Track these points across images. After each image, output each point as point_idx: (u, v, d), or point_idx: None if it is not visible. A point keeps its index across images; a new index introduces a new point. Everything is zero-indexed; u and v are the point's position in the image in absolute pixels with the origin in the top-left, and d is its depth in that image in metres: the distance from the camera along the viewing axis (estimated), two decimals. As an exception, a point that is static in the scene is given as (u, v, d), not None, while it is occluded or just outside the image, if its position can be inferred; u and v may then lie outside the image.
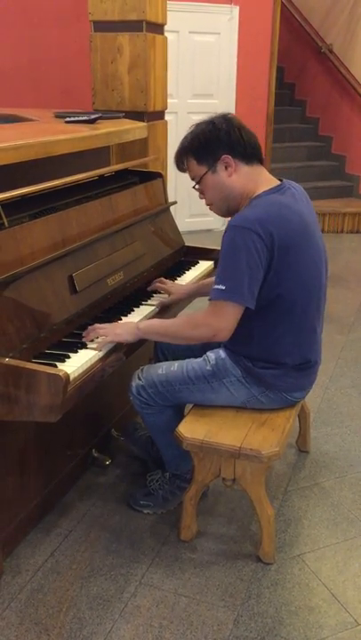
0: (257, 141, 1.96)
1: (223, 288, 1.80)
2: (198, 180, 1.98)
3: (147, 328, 1.97)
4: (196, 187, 2.01)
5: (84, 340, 1.90)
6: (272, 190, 1.91)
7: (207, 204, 2.04)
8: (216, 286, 1.82)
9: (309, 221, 1.94)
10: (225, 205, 2.00)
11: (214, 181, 1.95)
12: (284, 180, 1.99)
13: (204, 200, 2.04)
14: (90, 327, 1.94)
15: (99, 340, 1.92)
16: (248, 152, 1.92)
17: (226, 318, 1.83)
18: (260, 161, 1.97)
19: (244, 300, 1.81)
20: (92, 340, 1.91)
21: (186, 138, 1.98)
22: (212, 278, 2.34)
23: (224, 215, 2.05)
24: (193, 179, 2.00)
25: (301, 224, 1.89)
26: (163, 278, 2.42)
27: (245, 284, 1.79)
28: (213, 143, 1.91)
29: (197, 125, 1.96)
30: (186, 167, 2.00)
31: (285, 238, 1.82)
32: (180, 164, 2.01)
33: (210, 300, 1.86)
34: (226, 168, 1.92)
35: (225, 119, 1.93)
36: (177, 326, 1.95)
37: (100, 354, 1.87)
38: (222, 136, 1.90)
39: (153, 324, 2.00)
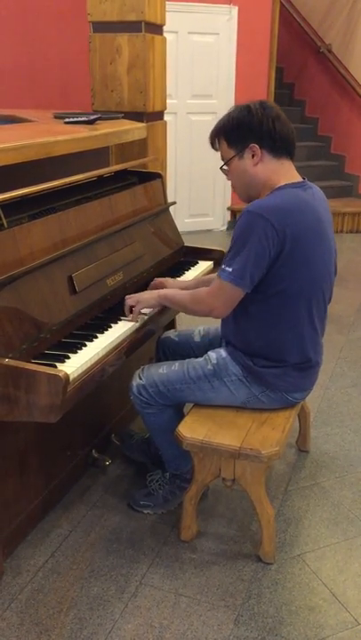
0: (291, 135, 1.95)
1: (230, 270, 1.85)
2: (226, 162, 2.00)
3: (165, 295, 2.15)
4: (224, 167, 2.03)
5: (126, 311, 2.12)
6: (295, 185, 1.93)
7: (232, 186, 2.08)
8: (224, 266, 1.87)
9: (324, 221, 1.95)
10: (246, 191, 2.02)
11: (239, 167, 1.96)
12: (307, 180, 2.00)
13: (227, 183, 2.06)
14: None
15: (132, 311, 2.13)
16: (277, 145, 1.92)
17: (224, 299, 1.91)
18: (291, 156, 1.97)
19: (244, 284, 1.84)
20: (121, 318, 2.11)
21: (223, 118, 1.99)
22: (208, 276, 2.37)
23: (245, 200, 2.06)
24: (222, 159, 2.02)
25: (316, 222, 1.90)
26: (159, 278, 2.41)
27: (248, 270, 1.82)
28: (244, 130, 1.92)
29: (235, 108, 1.97)
30: (218, 147, 2.02)
31: (298, 232, 1.83)
32: (213, 143, 2.03)
33: (216, 277, 1.91)
34: (252, 157, 1.93)
35: (262, 107, 1.94)
36: (185, 299, 2.08)
37: (137, 325, 2.09)
38: (254, 125, 1.91)
39: (169, 293, 2.17)
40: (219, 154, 2.02)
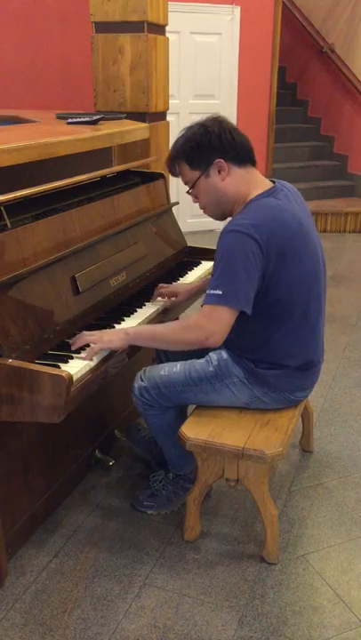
0: (249, 143, 1.94)
1: (220, 293, 1.77)
2: (192, 185, 1.97)
3: (136, 334, 1.91)
4: (190, 191, 2.00)
5: (72, 347, 1.83)
6: (266, 193, 1.90)
7: (201, 208, 2.04)
8: (212, 291, 1.79)
9: (305, 222, 1.93)
10: (219, 209, 2.00)
11: (207, 186, 1.94)
12: (277, 181, 1.98)
13: (198, 204, 2.03)
14: (77, 335, 1.87)
15: (87, 348, 1.84)
16: (240, 155, 1.91)
17: (220, 322, 1.79)
18: (253, 163, 1.96)
19: (240, 304, 1.79)
20: (80, 349, 1.83)
21: (177, 142, 1.96)
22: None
23: (218, 219, 2.05)
24: (186, 183, 1.99)
25: (297, 226, 1.88)
26: (162, 284, 2.35)
27: (242, 288, 1.78)
28: (206, 147, 1.89)
29: (189, 129, 1.94)
30: (178, 172, 1.99)
31: (281, 242, 1.81)
32: (173, 169, 2.00)
33: (204, 304, 1.82)
34: (219, 172, 1.91)
35: (216, 122, 1.91)
36: (168, 330, 1.90)
37: (92, 364, 1.80)
38: (214, 140, 1.88)
39: (143, 329, 1.95)
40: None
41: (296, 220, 1.88)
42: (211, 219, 2.10)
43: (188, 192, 2.02)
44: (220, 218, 2.03)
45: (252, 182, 1.93)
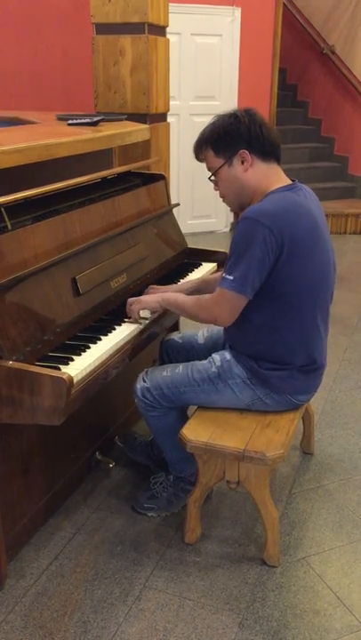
0: (277, 139, 1.96)
1: (231, 278, 1.84)
2: (214, 172, 1.99)
3: (169, 299, 2.12)
4: (212, 178, 2.02)
5: (128, 314, 2.11)
6: (286, 188, 1.93)
7: (220, 197, 2.06)
8: (226, 275, 1.86)
9: (319, 222, 1.95)
10: (237, 200, 2.01)
11: (229, 175, 1.96)
12: (297, 180, 1.99)
13: (217, 192, 2.05)
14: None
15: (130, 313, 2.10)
16: (266, 149, 1.93)
17: (227, 307, 1.89)
18: (278, 159, 1.98)
19: (246, 291, 1.84)
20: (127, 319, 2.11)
21: (206, 128, 1.98)
22: (213, 275, 2.36)
23: (235, 209, 2.07)
24: (209, 169, 2.01)
25: (312, 223, 1.90)
26: (152, 285, 2.37)
27: (250, 276, 1.82)
28: (233, 137, 1.92)
29: (219, 117, 1.96)
30: (203, 157, 2.01)
31: (296, 235, 1.83)
32: (198, 154, 2.02)
33: (218, 286, 1.90)
34: (242, 163, 1.93)
35: (248, 114, 1.94)
36: (190, 305, 2.04)
37: (141, 326, 2.08)
38: (243, 130, 1.91)
39: (172, 296, 2.13)
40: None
41: (312, 218, 1.90)
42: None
43: (209, 178, 2.04)
44: (238, 208, 2.04)
45: (273, 177, 1.95)
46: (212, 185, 2.07)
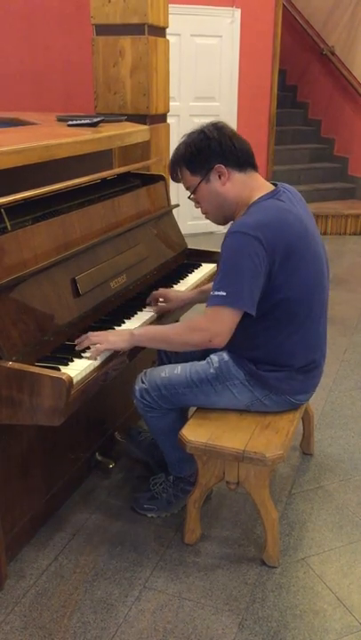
0: (249, 148, 1.95)
1: (224, 294, 1.79)
2: (193, 190, 1.99)
3: (141, 335, 1.94)
4: (191, 196, 2.02)
5: (77, 348, 1.85)
6: (268, 195, 1.91)
7: (203, 213, 2.05)
8: (216, 292, 1.80)
9: (308, 223, 1.94)
10: (220, 214, 2.01)
11: (208, 191, 1.95)
12: (278, 183, 1.99)
13: (200, 209, 2.04)
14: (83, 335, 1.89)
15: (92, 348, 1.86)
16: (241, 160, 1.92)
17: (224, 324, 1.82)
18: (254, 167, 1.97)
19: (245, 305, 1.80)
20: (86, 349, 1.87)
21: (178, 148, 1.98)
22: (209, 285, 2.33)
23: (220, 223, 2.06)
24: (187, 189, 2.01)
25: (301, 227, 1.89)
26: (161, 289, 2.35)
27: (246, 290, 1.79)
28: (205, 153, 1.91)
29: (189, 135, 1.96)
30: (180, 177, 2.01)
31: (286, 243, 1.82)
32: (174, 175, 2.02)
33: (207, 306, 1.84)
34: (219, 177, 1.92)
35: (216, 128, 1.93)
36: (173, 332, 1.93)
37: (96, 363, 1.84)
38: (214, 146, 1.90)
39: (148, 330, 1.98)
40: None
41: (300, 221, 1.89)
42: (209, 221, 2.09)
43: (189, 197, 2.03)
44: (222, 222, 2.04)
45: (253, 186, 1.93)
46: None
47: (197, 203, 2.02)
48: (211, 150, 1.90)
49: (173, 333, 1.92)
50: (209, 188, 1.94)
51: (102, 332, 1.92)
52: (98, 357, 1.85)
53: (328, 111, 7.52)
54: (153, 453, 2.43)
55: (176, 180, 2.02)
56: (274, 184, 1.97)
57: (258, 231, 1.77)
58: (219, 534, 2.16)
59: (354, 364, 3.51)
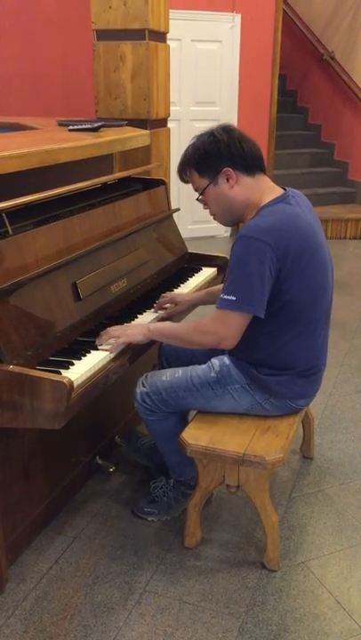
0: (258, 151, 1.96)
1: (233, 299, 1.81)
2: (201, 192, 2.00)
3: (157, 330, 2.00)
4: (200, 198, 2.03)
5: (97, 343, 1.93)
6: (279, 199, 1.92)
7: (211, 215, 2.06)
8: (225, 296, 1.82)
9: (316, 229, 1.95)
10: (228, 216, 2.02)
11: (216, 193, 1.96)
12: (287, 188, 2.00)
13: (208, 210, 2.05)
14: (102, 331, 1.96)
15: (111, 341, 1.93)
16: (249, 163, 1.93)
17: (233, 327, 1.85)
18: (263, 170, 1.97)
19: (255, 310, 1.82)
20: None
21: (187, 150, 1.99)
22: (217, 287, 2.35)
23: (228, 225, 2.08)
24: (196, 190, 2.02)
25: (310, 232, 1.90)
26: (168, 293, 2.38)
27: (256, 294, 1.80)
28: (214, 156, 1.92)
29: (198, 137, 1.97)
30: (188, 179, 2.02)
31: (296, 247, 1.83)
32: (183, 176, 2.03)
33: (217, 308, 1.86)
34: (227, 180, 1.93)
35: (225, 131, 1.93)
36: (185, 331, 1.96)
37: (110, 356, 1.89)
38: (223, 149, 1.90)
39: (164, 326, 2.03)
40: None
41: (309, 226, 1.90)
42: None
43: (197, 199, 2.04)
44: (231, 224, 2.06)
45: (262, 189, 1.94)
46: None
47: (205, 204, 2.03)
48: (219, 153, 1.91)
49: (185, 333, 1.96)
50: (217, 190, 1.95)
51: (121, 326, 2.00)
52: (115, 350, 1.92)
53: (328, 116, 7.54)
54: (153, 457, 2.44)
55: (184, 181, 2.04)
56: (283, 188, 1.99)
57: (268, 236, 1.79)
58: (219, 538, 2.16)
59: (354, 368, 3.51)
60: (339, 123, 7.38)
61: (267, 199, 1.92)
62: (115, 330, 1.97)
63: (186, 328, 1.98)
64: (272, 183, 1.98)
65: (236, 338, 1.87)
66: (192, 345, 2.00)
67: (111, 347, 1.92)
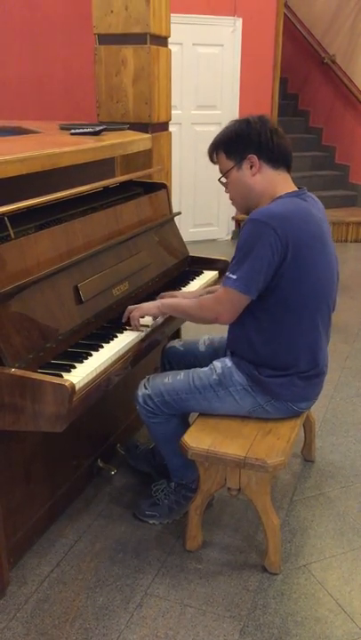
0: (289, 148, 2.00)
1: (235, 277, 1.87)
2: (224, 174, 2.04)
3: (167, 304, 2.16)
4: (222, 179, 2.06)
5: (123, 320, 2.15)
6: (293, 194, 1.96)
7: (230, 199, 2.11)
8: (229, 274, 1.89)
9: (325, 230, 1.98)
10: (245, 203, 2.05)
11: (237, 178, 2.00)
12: (305, 188, 2.02)
13: (228, 195, 2.09)
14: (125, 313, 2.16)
15: (131, 321, 2.12)
16: (276, 156, 1.96)
17: (229, 305, 1.93)
18: (288, 167, 2.01)
19: (249, 291, 1.87)
20: (126, 326, 2.13)
21: (221, 131, 2.03)
22: (217, 287, 2.37)
23: (243, 212, 2.11)
24: (220, 171, 2.06)
25: (318, 229, 1.93)
26: (169, 292, 2.41)
27: (255, 276, 1.85)
28: (243, 140, 1.96)
29: (234, 121, 2.02)
30: (216, 159, 2.06)
31: (301, 239, 1.86)
32: (211, 156, 2.07)
33: (221, 285, 1.95)
34: (250, 167, 1.97)
35: (261, 120, 1.98)
36: (189, 306, 2.08)
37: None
38: (253, 135, 1.95)
39: (172, 302, 2.17)
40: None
41: (318, 224, 1.94)
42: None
43: (219, 179, 2.08)
44: (245, 212, 2.08)
45: (280, 184, 1.98)
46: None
47: (226, 187, 2.07)
48: (249, 139, 1.95)
49: (189, 308, 2.08)
50: (239, 175, 1.99)
51: (136, 305, 2.17)
52: (141, 328, 2.12)
53: (329, 119, 7.55)
54: (152, 462, 2.44)
55: (212, 160, 2.08)
56: (300, 187, 2.02)
57: (276, 222, 1.83)
58: (220, 541, 2.16)
59: (355, 371, 3.51)
60: (340, 126, 7.39)
61: (283, 192, 1.96)
62: (131, 308, 2.15)
63: (192, 303, 2.09)
64: (292, 183, 2.02)
65: (232, 315, 1.95)
66: (196, 320, 2.09)
67: (133, 326, 2.11)
